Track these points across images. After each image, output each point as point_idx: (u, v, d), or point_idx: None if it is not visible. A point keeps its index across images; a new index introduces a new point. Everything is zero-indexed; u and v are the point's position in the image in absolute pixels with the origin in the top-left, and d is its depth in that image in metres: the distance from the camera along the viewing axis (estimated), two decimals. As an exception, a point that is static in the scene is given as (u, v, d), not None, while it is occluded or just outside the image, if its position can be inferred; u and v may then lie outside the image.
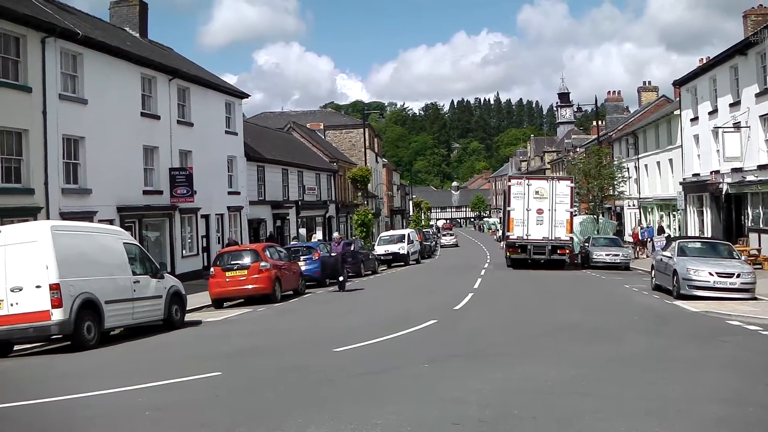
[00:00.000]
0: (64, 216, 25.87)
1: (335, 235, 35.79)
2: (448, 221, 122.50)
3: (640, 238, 49.30)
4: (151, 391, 10.82)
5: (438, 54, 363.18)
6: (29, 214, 24.70)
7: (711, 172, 41.04)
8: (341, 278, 29.72)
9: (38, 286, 15.88)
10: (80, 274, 16.68)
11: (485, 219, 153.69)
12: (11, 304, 15.88)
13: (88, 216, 27.27)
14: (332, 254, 31.72)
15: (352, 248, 35.79)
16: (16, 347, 17.55)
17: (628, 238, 54.19)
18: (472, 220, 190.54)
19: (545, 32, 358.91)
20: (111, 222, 28.18)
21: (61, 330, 16.19)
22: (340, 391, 10.35)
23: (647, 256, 44.61)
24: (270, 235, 47.13)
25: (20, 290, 15.90)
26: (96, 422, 8.99)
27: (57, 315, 15.89)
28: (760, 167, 34.58)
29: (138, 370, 13.27)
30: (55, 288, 15.86)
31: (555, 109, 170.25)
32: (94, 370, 13.72)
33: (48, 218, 24.80)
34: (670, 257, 24.59)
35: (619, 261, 39.18)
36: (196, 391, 10.69)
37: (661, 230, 48.13)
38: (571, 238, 39.70)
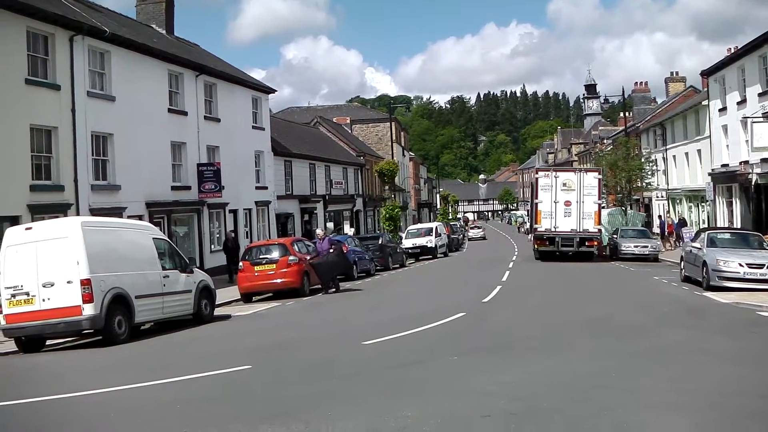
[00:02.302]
0: (94, 212, 26.12)
1: (318, 231, 31.23)
2: (474, 217, 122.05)
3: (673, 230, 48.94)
4: (181, 384, 10.91)
5: (467, 46, 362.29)
6: (60, 210, 24.92)
7: (740, 163, 40.65)
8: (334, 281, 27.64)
9: (69, 282, 16.06)
10: (110, 270, 16.84)
11: (513, 211, 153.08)
12: (43, 300, 16.06)
13: (117, 212, 27.48)
14: (321, 254, 27.30)
15: (340, 245, 28.91)
16: (48, 342, 17.78)
17: (656, 229, 53.75)
18: (500, 212, 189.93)
19: (575, 23, 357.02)
20: (140, 217, 28.37)
21: (92, 325, 16.37)
22: (368, 383, 10.38)
23: (672, 248, 44.39)
24: (307, 230, 47.28)
25: (52, 286, 16.08)
26: (127, 416, 9.09)
27: (88, 310, 16.06)
28: (791, 157, 34.24)
29: (168, 364, 13.38)
30: (86, 283, 16.03)
31: (582, 100, 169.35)
32: (125, 365, 13.86)
33: (78, 214, 25.02)
34: (700, 248, 24.40)
35: (647, 252, 38.88)
36: (225, 385, 10.75)
37: (683, 222, 47.79)
38: (600, 230, 39.46)
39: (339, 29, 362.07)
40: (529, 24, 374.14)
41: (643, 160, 53.95)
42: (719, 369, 10.81)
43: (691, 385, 9.62)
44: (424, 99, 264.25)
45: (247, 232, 40.78)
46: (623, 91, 59.84)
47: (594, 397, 9.02)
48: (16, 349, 17.11)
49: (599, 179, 39.25)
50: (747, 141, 38.34)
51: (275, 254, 26.74)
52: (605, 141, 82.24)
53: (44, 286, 16.10)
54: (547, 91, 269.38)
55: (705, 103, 48.04)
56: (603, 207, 43.09)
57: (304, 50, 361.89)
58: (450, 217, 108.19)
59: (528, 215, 60.10)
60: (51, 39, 25.72)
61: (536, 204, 39.12)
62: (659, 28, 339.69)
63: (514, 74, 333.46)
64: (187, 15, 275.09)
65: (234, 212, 39.30)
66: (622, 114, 70.81)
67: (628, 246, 39.33)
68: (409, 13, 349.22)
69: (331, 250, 27.13)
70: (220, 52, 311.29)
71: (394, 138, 74.17)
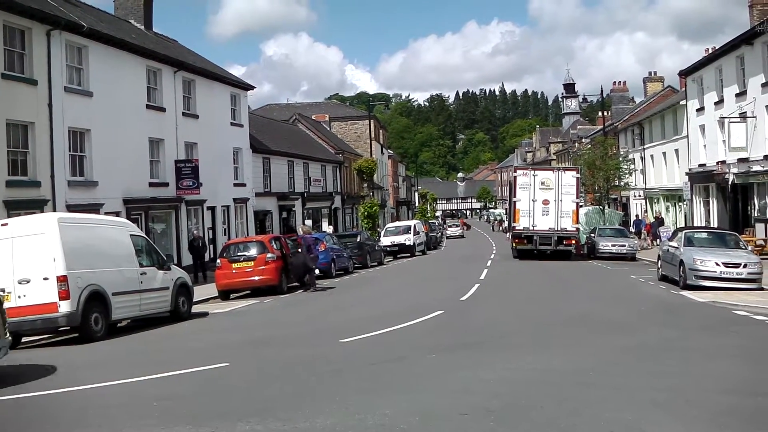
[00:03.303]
0: (71, 208, 25.90)
1: (307, 225, 29.87)
2: (459, 217, 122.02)
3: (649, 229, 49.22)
4: (160, 381, 10.85)
5: (448, 44, 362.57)
6: (36, 206, 24.77)
7: (717, 162, 40.96)
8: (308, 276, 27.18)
9: (46, 278, 15.93)
10: (87, 266, 16.72)
11: (491, 210, 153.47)
12: (19, 296, 15.91)
13: (94, 208, 27.32)
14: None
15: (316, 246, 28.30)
16: (24, 339, 17.62)
17: (631, 228, 54.01)
18: (478, 211, 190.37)
19: (557, 21, 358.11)
20: (117, 214, 28.17)
21: (68, 322, 16.25)
22: (347, 381, 10.36)
23: (649, 247, 44.69)
24: (290, 227, 47.19)
25: (28, 282, 15.95)
26: (105, 412, 9.02)
27: (64, 307, 15.94)
28: (767, 157, 34.49)
29: (146, 361, 13.31)
30: (62, 280, 15.91)
31: (560, 99, 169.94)
32: (103, 362, 13.77)
33: (54, 210, 24.83)
34: (677, 247, 24.55)
35: (625, 251, 39.10)
36: (204, 382, 10.71)
37: (660, 222, 48.05)
38: (577, 229, 39.64)
39: (320, 25, 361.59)
40: (510, 22, 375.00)
41: (621, 159, 54.21)
42: (700, 366, 10.87)
43: (671, 382, 9.65)
44: (404, 97, 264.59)
45: (225, 230, 40.65)
46: (602, 91, 60.11)
47: (573, 394, 9.03)
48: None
49: (577, 178, 39.44)
50: (724, 141, 38.74)
51: (253, 251, 26.69)
52: (583, 140, 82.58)
53: (20, 283, 15.95)
54: (526, 90, 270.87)
55: (683, 103, 48.37)
56: (581, 206, 43.31)
57: (285, 47, 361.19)
58: (428, 215, 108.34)
59: (506, 214, 60.26)
60: (28, 33, 25.51)
61: (515, 202, 39.24)
62: (640, 28, 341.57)
63: (494, 72, 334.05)
64: (166, 10, 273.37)
65: (212, 209, 39.17)
66: (600, 113, 71.11)
67: (606, 245, 39.53)
68: (390, 10, 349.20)
69: (299, 250, 27.13)
70: (200, 48, 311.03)
71: (372, 136, 74.14)
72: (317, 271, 28.50)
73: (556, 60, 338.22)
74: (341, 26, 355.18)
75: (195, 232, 34.94)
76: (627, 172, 53.47)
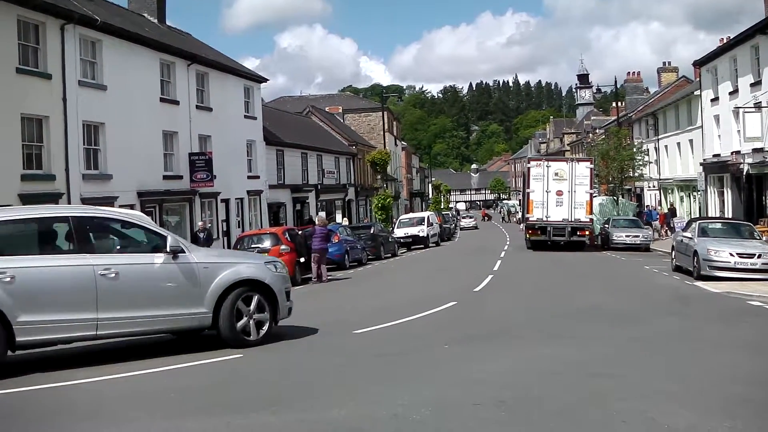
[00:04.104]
0: (85, 201, 26.08)
1: (321, 216, 30.15)
2: (482, 208, 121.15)
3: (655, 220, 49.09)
4: (175, 373, 10.90)
5: (462, 35, 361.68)
6: (51, 199, 24.88)
7: (732, 153, 40.74)
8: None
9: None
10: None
11: (504, 201, 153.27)
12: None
13: (108, 201, 27.42)
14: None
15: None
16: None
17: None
18: (492, 202, 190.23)
19: (572, 11, 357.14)
20: (132, 207, 28.26)
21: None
22: (361, 372, 10.39)
23: (663, 238, 44.59)
24: (309, 218, 47.29)
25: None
26: (121, 404, 9.08)
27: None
28: (782, 147, 34.34)
29: (160, 351, 13.37)
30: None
31: (574, 90, 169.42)
32: (118, 353, 13.83)
33: (69, 204, 24.98)
34: (691, 238, 24.48)
35: (639, 242, 39.00)
36: (218, 374, 10.74)
37: (673, 212, 47.87)
38: (591, 220, 39.58)
39: (334, 17, 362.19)
40: (525, 13, 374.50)
41: (635, 150, 54.03)
42: (713, 357, 10.85)
43: (684, 373, 9.65)
44: (417, 88, 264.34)
45: (239, 222, 40.77)
46: (615, 81, 59.93)
47: (585, 384, 9.04)
48: None
49: (591, 169, 39.36)
50: (739, 131, 38.49)
51: (267, 243, 26.78)
52: (597, 131, 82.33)
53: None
54: (540, 81, 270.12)
55: (697, 93, 48.13)
56: (594, 196, 43.20)
57: (299, 39, 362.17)
58: (442, 207, 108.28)
59: (520, 205, 60.17)
60: (42, 28, 25.64)
61: (528, 194, 39.21)
62: (656, 18, 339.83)
63: (508, 63, 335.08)
64: (181, 3, 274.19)
65: (226, 202, 39.28)
66: (614, 104, 70.86)
67: (620, 235, 39.44)
68: (405, 1, 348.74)
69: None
70: (215, 41, 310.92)
71: (386, 127, 74.16)
72: (321, 266, 27.36)
73: (570, 51, 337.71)
74: (355, 18, 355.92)
75: (200, 223, 33.07)
76: (642, 163, 53.32)
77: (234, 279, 12.14)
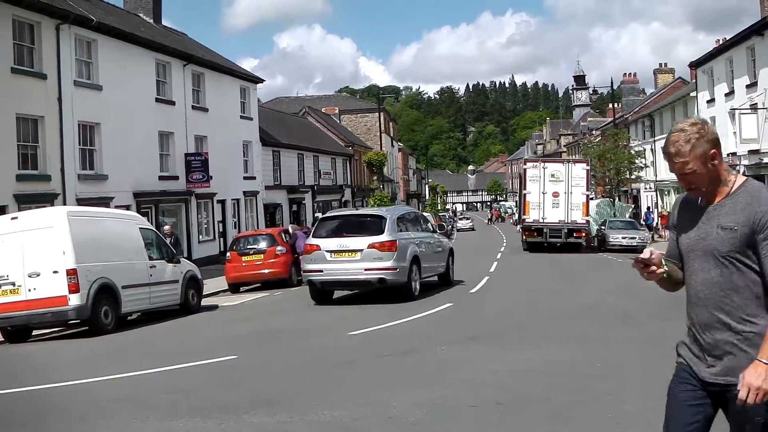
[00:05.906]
0: (81, 202, 26.01)
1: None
2: (495, 209, 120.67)
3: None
4: (169, 374, 10.88)
5: (462, 35, 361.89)
6: (46, 200, 24.83)
7: (728, 154, 40.70)
8: None
9: (55, 272, 15.95)
10: (97, 260, 16.74)
11: (501, 202, 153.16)
12: (29, 290, 15.95)
13: (104, 202, 27.38)
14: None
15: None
16: (34, 332, 17.69)
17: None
18: (489, 203, 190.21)
19: (572, 12, 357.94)
20: (127, 207, 28.24)
21: (78, 315, 16.28)
22: (356, 374, 10.37)
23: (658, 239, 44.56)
24: (315, 217, 47.23)
25: (38, 276, 15.97)
26: (115, 405, 9.05)
27: (74, 300, 15.95)
28: (778, 148, 34.35)
29: (155, 353, 13.34)
30: (72, 273, 15.92)
31: (571, 91, 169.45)
32: (112, 355, 13.80)
33: (64, 204, 24.94)
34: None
35: (635, 244, 38.92)
36: (212, 375, 10.72)
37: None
38: (588, 221, 39.56)
39: (334, 17, 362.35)
40: (525, 12, 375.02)
41: (633, 152, 54.04)
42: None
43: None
44: (413, 89, 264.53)
45: (235, 223, 40.72)
46: (612, 83, 60.00)
47: (581, 386, 9.01)
48: (2, 339, 17.04)
49: (587, 170, 39.39)
50: (735, 133, 38.49)
51: (263, 244, 26.69)
52: (594, 132, 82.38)
53: (30, 276, 15.98)
54: (537, 82, 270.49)
55: (693, 94, 48.18)
56: (591, 198, 43.20)
57: (298, 39, 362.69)
58: (439, 208, 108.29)
59: (516, 206, 60.18)
60: (37, 27, 25.58)
61: (524, 195, 39.20)
62: (656, 18, 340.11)
63: (508, 64, 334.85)
64: (181, 2, 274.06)
65: (222, 202, 39.24)
66: (610, 105, 70.94)
67: (616, 237, 39.43)
68: (405, 1, 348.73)
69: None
70: (214, 41, 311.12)
71: (382, 128, 74.10)
72: None
73: (570, 51, 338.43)
74: (355, 18, 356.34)
75: (167, 228, 28.22)
76: (640, 165, 53.33)
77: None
